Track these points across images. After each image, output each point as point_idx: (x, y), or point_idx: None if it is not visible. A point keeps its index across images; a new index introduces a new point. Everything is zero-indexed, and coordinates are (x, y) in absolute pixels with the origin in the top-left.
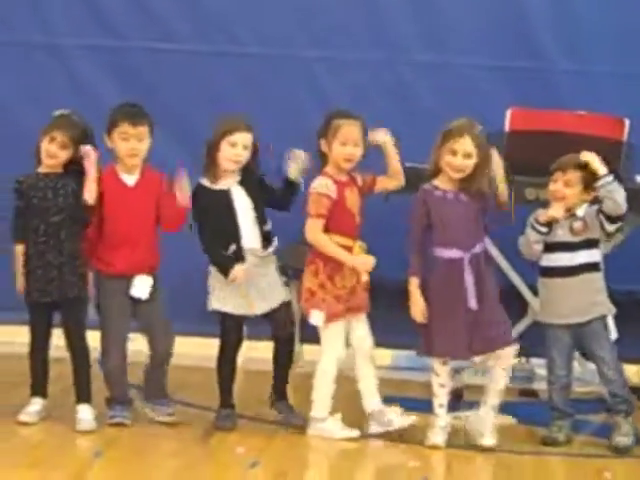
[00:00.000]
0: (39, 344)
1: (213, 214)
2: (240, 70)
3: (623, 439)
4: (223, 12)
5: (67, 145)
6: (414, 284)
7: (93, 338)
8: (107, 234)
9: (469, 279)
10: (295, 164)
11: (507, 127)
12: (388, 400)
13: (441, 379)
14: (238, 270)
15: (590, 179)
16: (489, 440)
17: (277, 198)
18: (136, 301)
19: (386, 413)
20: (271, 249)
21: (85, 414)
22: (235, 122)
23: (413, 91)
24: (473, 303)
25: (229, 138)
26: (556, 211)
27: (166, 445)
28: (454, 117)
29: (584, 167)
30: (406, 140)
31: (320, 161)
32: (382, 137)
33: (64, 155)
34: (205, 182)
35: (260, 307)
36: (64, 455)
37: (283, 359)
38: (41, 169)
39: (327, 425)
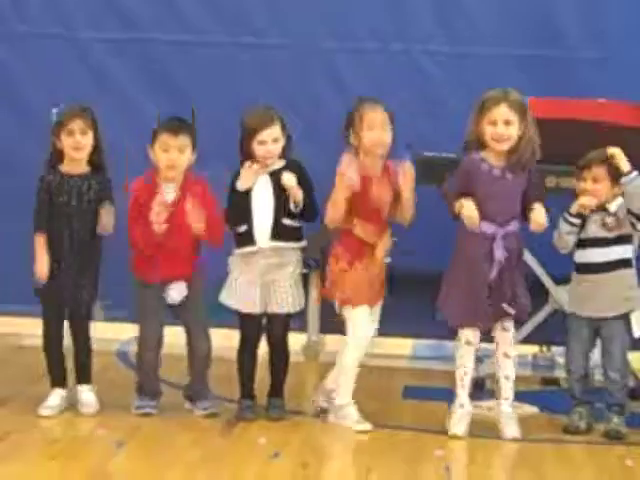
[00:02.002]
0: (53, 336)
1: (238, 204)
2: (261, 61)
3: (615, 427)
4: (243, 3)
5: (86, 130)
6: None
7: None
8: (146, 243)
9: (499, 254)
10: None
11: None
12: (409, 390)
13: (465, 362)
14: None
15: (618, 172)
16: (512, 430)
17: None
18: (173, 304)
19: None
20: (287, 244)
21: (88, 395)
22: (260, 119)
23: (433, 81)
24: (494, 273)
25: (257, 137)
26: (587, 200)
27: (188, 436)
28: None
29: (610, 160)
30: (426, 130)
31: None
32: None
33: (88, 141)
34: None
35: (262, 306)
36: (86, 445)
37: (276, 362)
38: (65, 168)
39: (348, 412)
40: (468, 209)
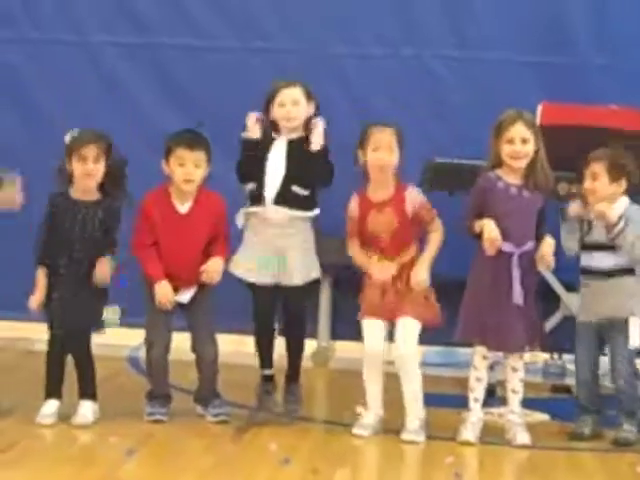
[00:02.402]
0: (57, 346)
1: (248, 157)
2: (271, 66)
3: (624, 434)
4: (254, 8)
5: (99, 157)
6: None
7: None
8: (160, 247)
9: (516, 275)
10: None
11: (539, 122)
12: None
13: (479, 373)
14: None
15: (616, 169)
16: (522, 437)
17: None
18: (182, 305)
19: (406, 421)
20: (294, 212)
21: (86, 409)
22: (281, 80)
23: (443, 87)
24: (519, 298)
25: (277, 99)
26: (574, 208)
27: (199, 442)
28: (485, 112)
29: (608, 158)
30: (437, 135)
31: (364, 178)
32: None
33: (100, 169)
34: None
35: (267, 276)
36: (97, 453)
37: (292, 343)
38: (75, 193)
39: (362, 420)
40: (489, 230)
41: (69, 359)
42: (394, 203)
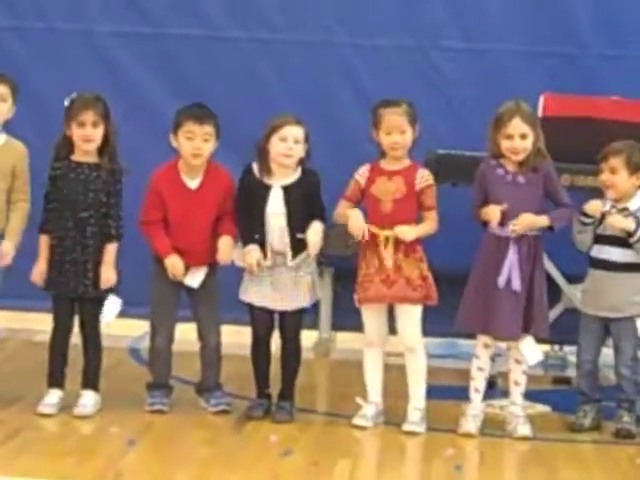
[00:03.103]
0: (60, 335)
1: (248, 201)
2: (275, 56)
3: (625, 426)
4: None
5: (98, 122)
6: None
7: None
8: (167, 229)
9: (513, 258)
10: None
11: (541, 113)
12: None
13: (481, 362)
14: (252, 255)
15: (635, 162)
16: (523, 429)
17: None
18: (190, 289)
19: (407, 412)
20: (302, 257)
21: (87, 400)
22: (287, 117)
23: (447, 78)
24: (517, 284)
25: (279, 133)
26: (594, 205)
27: (199, 433)
28: (488, 103)
29: (626, 152)
30: (441, 127)
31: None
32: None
33: (99, 133)
34: (255, 168)
35: (273, 303)
36: (98, 443)
37: (288, 361)
38: (75, 157)
39: (362, 411)
40: (490, 211)
41: (72, 346)
42: (404, 174)
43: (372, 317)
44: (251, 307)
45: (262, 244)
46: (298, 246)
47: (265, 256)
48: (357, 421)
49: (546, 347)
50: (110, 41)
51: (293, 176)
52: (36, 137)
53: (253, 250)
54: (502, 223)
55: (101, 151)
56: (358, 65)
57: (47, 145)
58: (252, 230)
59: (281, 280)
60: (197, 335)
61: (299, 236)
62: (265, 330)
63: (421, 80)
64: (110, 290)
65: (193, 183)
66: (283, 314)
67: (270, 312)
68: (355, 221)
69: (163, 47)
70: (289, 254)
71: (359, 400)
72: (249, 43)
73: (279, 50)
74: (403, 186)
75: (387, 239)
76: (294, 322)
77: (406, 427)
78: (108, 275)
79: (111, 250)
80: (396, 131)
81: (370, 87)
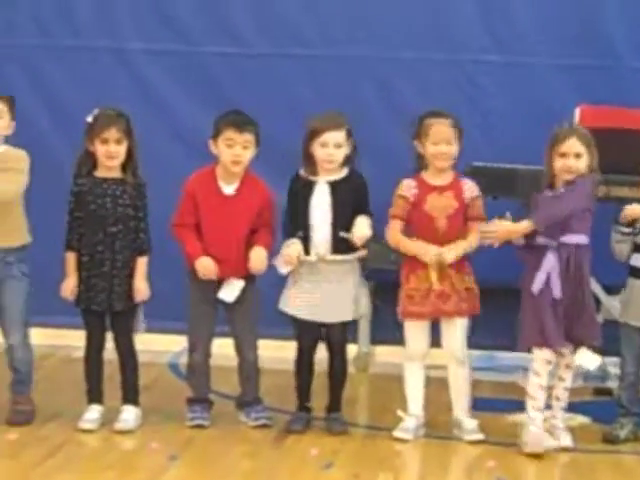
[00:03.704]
0: (94, 350)
1: (294, 199)
2: (307, 71)
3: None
4: (289, 14)
5: (121, 139)
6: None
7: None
8: (202, 239)
9: (552, 267)
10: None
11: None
12: None
13: (542, 380)
14: (293, 248)
15: None
16: (564, 440)
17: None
18: (227, 304)
19: (464, 423)
20: (344, 256)
21: (128, 414)
22: (326, 120)
23: (482, 90)
24: (557, 292)
25: (318, 139)
26: (631, 210)
27: (240, 447)
28: (522, 116)
29: None
30: (475, 139)
31: (416, 163)
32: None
33: (123, 150)
34: (302, 172)
35: (321, 315)
36: (139, 458)
37: (335, 372)
38: (99, 173)
39: (402, 422)
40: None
41: (108, 360)
42: (453, 189)
43: (417, 331)
44: (295, 319)
45: (306, 243)
46: (340, 245)
47: (307, 252)
48: (398, 434)
49: None
50: (142, 58)
51: (339, 174)
52: (68, 154)
53: (294, 243)
54: (537, 234)
55: (124, 166)
56: (392, 79)
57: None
58: (297, 227)
59: (325, 291)
60: (235, 350)
61: (342, 234)
62: (310, 343)
63: (456, 93)
64: (141, 303)
65: (229, 189)
66: (330, 326)
67: (316, 324)
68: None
69: (195, 64)
70: (330, 249)
71: (400, 413)
72: (282, 59)
73: (312, 66)
74: (454, 201)
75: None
76: (340, 334)
77: (471, 437)
78: (141, 287)
79: (143, 263)
80: (444, 142)
81: (404, 101)
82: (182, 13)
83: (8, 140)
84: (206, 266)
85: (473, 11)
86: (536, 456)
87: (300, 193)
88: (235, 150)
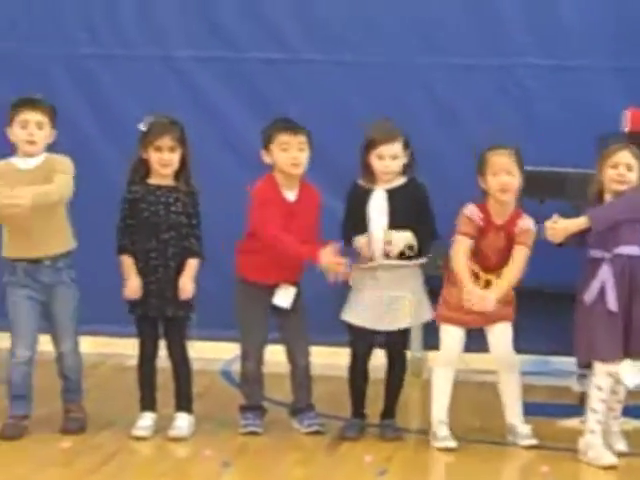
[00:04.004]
0: (147, 357)
1: (352, 208)
2: (357, 78)
3: None
4: (338, 21)
5: (175, 147)
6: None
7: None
8: (254, 244)
9: (606, 278)
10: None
11: (627, 128)
12: None
13: (603, 394)
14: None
15: None
16: (619, 444)
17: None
18: (278, 310)
19: (518, 428)
20: (405, 262)
21: (182, 422)
22: (382, 133)
23: (531, 95)
24: (612, 305)
25: (375, 151)
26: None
27: (293, 454)
28: (571, 119)
29: None
30: (526, 144)
31: (482, 197)
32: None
33: (176, 158)
34: (360, 181)
35: (381, 324)
36: (193, 466)
37: (393, 379)
38: (152, 180)
39: (435, 430)
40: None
41: (161, 368)
42: (507, 227)
43: (456, 336)
44: (351, 327)
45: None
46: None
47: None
48: (440, 444)
49: None
50: (191, 66)
51: (397, 182)
52: (120, 161)
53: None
54: (594, 245)
55: (177, 174)
56: (441, 85)
57: (125, 169)
58: (355, 234)
59: (385, 299)
60: (287, 357)
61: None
62: (365, 349)
63: (504, 97)
64: (191, 310)
65: (291, 195)
66: (390, 333)
67: (371, 332)
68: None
69: (243, 71)
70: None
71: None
72: (329, 65)
73: (361, 72)
74: (504, 241)
75: (487, 282)
76: (401, 341)
77: (525, 442)
78: (187, 286)
79: (192, 264)
80: (503, 172)
81: (454, 106)
82: (229, 20)
83: (51, 148)
84: (331, 256)
85: (520, 15)
86: (612, 468)
87: (358, 201)
88: (292, 153)
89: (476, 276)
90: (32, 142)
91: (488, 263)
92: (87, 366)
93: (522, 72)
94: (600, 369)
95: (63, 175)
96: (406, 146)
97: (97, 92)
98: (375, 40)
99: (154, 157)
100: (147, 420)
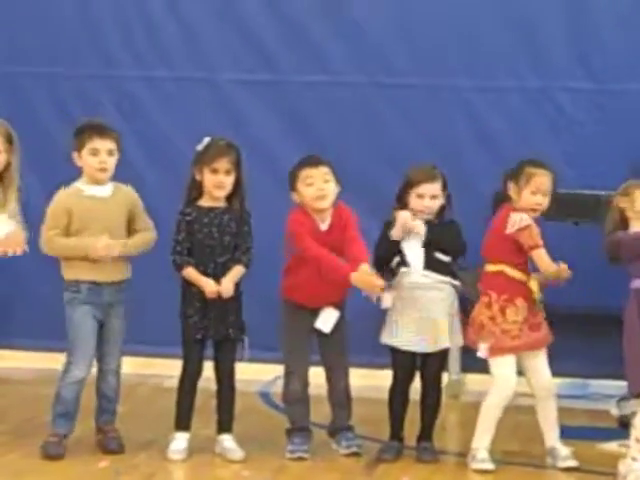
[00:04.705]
0: (191, 378)
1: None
2: (397, 100)
3: None
4: (379, 43)
5: (230, 170)
6: None
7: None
8: (299, 266)
9: None
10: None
11: None
12: None
13: None
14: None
15: None
16: None
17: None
18: (319, 332)
19: (558, 450)
20: (440, 276)
21: (232, 443)
22: (423, 173)
23: (571, 118)
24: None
25: (417, 190)
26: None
27: (332, 475)
28: (611, 142)
29: None
30: (564, 167)
31: (504, 199)
32: None
33: (230, 181)
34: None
35: (420, 345)
36: None
37: (429, 402)
38: (204, 202)
39: (475, 454)
40: None
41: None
42: None
43: (510, 366)
44: (393, 350)
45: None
46: (436, 266)
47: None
48: (477, 466)
49: None
50: (233, 88)
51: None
52: (161, 181)
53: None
54: (636, 275)
55: (229, 196)
56: (482, 108)
57: (171, 189)
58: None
59: (423, 322)
60: (326, 378)
61: (437, 255)
62: (407, 373)
63: (545, 121)
64: (243, 333)
65: (324, 225)
66: (426, 356)
67: (413, 355)
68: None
69: (285, 93)
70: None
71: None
72: (371, 88)
73: (402, 94)
74: None
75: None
76: (437, 364)
77: (565, 464)
78: (228, 285)
79: (238, 269)
80: (542, 193)
81: (492, 129)
82: (272, 43)
83: None
84: (366, 274)
85: (562, 38)
86: None
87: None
88: (318, 185)
89: (520, 283)
90: (104, 170)
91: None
92: (126, 386)
93: (563, 95)
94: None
95: (151, 233)
96: (444, 187)
97: (139, 114)
98: (416, 62)
99: (209, 179)
100: (182, 442)
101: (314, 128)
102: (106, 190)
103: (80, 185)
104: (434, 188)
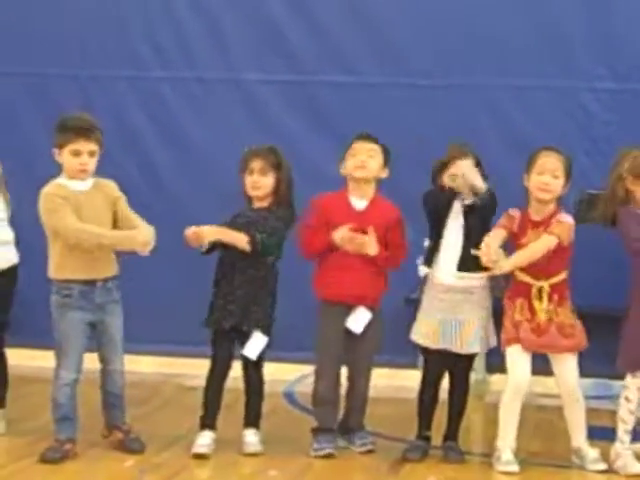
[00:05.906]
0: (218, 376)
1: (432, 213)
2: (424, 100)
3: None
4: (405, 43)
5: (266, 170)
6: None
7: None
8: (334, 257)
9: None
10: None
11: None
12: None
13: (632, 405)
14: None
15: None
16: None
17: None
18: (350, 333)
19: (585, 452)
20: (473, 274)
21: (254, 437)
22: (453, 152)
23: (596, 118)
24: None
25: (449, 169)
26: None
27: (357, 475)
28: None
29: None
30: (586, 167)
31: (525, 198)
32: None
33: (267, 182)
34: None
35: (452, 345)
36: None
37: (456, 402)
38: (255, 204)
39: (499, 455)
40: None
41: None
42: (546, 224)
43: (521, 362)
44: (424, 349)
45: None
46: (471, 264)
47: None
48: (503, 468)
49: None
50: (258, 89)
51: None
52: (188, 182)
53: None
54: None
55: (274, 199)
56: (507, 106)
57: (195, 189)
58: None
59: (455, 322)
60: (347, 377)
61: (473, 252)
62: (437, 373)
63: (570, 120)
64: (261, 329)
65: (360, 204)
66: (457, 356)
67: (444, 355)
68: None
69: (310, 94)
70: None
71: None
72: (395, 88)
73: (426, 94)
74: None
75: (540, 290)
76: (467, 365)
77: (595, 466)
78: (211, 228)
79: (241, 236)
80: (549, 173)
81: (519, 129)
82: (296, 43)
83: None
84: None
85: (588, 38)
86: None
87: (438, 209)
88: (360, 157)
89: (528, 286)
90: (84, 171)
91: (535, 268)
92: (149, 386)
93: (589, 95)
94: (631, 382)
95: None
96: (478, 163)
97: (165, 114)
98: (441, 63)
99: (248, 180)
100: (206, 438)
101: (339, 128)
102: (87, 184)
103: (61, 181)
104: (467, 165)
